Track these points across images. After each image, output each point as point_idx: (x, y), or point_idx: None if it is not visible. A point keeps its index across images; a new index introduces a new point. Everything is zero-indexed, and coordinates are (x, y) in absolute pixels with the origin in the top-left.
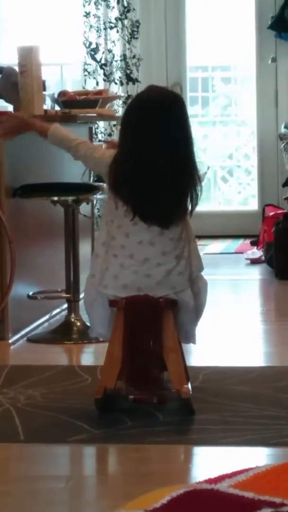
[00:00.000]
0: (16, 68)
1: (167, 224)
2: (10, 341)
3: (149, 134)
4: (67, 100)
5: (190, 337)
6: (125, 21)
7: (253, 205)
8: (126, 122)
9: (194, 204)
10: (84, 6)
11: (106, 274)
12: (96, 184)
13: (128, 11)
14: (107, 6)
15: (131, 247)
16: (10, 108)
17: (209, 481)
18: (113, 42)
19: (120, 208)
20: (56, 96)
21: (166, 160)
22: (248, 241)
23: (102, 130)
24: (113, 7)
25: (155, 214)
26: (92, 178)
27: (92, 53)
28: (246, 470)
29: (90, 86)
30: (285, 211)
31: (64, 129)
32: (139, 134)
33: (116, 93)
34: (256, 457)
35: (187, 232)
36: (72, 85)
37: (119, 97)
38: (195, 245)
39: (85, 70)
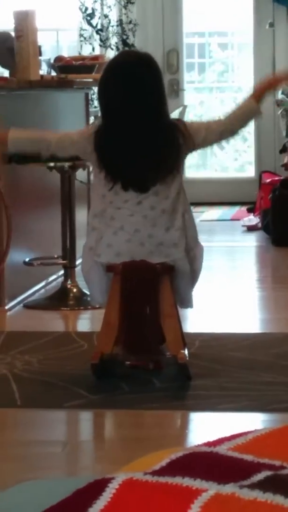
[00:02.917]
0: (12, 33)
1: (146, 188)
2: (6, 307)
3: (119, 96)
4: (63, 65)
5: (186, 302)
6: None
7: (249, 172)
8: (99, 90)
9: (171, 164)
10: None
11: (100, 243)
12: None
13: None
14: None
15: (121, 219)
16: (6, 73)
17: (208, 444)
18: (109, 7)
19: (104, 178)
20: (52, 61)
21: (139, 121)
22: (244, 208)
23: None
24: None
25: (134, 178)
26: None
27: (88, 18)
28: (245, 434)
29: (86, 51)
30: (281, 177)
31: (21, 130)
32: (110, 98)
33: None
34: (252, 423)
35: (183, 203)
36: (68, 51)
37: None
38: (191, 215)
39: (81, 35)
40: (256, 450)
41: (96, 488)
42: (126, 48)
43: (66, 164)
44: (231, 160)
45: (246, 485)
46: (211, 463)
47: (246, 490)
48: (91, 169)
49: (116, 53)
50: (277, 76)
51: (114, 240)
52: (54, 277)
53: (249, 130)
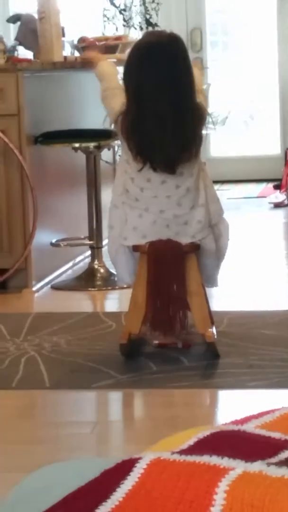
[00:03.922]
0: (35, 15)
1: (174, 168)
2: (34, 288)
3: (149, 77)
4: (86, 46)
5: (212, 281)
6: None
7: (275, 148)
8: (129, 70)
9: (198, 143)
10: None
11: (125, 226)
12: None
13: None
14: None
15: (145, 201)
16: (29, 55)
17: (236, 422)
18: None
19: (133, 159)
20: (75, 42)
21: (167, 101)
22: (271, 185)
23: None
24: None
25: (162, 159)
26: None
27: None
28: (272, 411)
29: (110, 31)
30: None
31: (109, 67)
32: (143, 78)
33: (136, 38)
34: (281, 400)
35: (204, 179)
36: (91, 31)
37: None
38: (212, 191)
39: (104, 15)
40: (283, 427)
41: (124, 468)
42: (150, 28)
43: (91, 145)
44: (257, 137)
45: (274, 463)
46: (238, 441)
47: (273, 468)
48: (116, 149)
49: (140, 32)
50: None
51: (140, 222)
52: (81, 257)
53: (275, 107)
